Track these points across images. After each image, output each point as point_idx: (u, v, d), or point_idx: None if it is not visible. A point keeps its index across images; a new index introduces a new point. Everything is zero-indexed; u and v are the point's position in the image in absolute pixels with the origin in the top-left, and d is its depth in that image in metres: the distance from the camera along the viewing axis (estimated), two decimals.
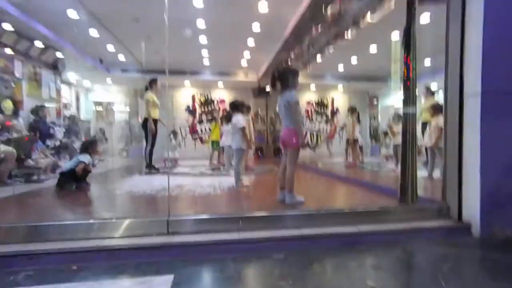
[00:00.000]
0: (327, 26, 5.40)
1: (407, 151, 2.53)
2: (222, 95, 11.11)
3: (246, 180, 4.13)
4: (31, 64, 6.17)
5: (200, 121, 11.00)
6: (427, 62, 6.59)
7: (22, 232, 1.87)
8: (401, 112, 2.68)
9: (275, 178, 4.43)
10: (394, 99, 9.57)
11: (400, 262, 1.83)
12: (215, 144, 6.93)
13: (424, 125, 4.95)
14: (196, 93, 11.02)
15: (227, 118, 4.87)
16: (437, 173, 4.20)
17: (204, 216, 2.15)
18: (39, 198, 3.27)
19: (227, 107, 10.54)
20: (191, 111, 11.01)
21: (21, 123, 4.91)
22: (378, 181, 4.36)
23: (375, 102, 11.56)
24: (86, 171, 3.64)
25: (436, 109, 4.30)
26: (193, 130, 11.00)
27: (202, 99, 11.08)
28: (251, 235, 1.96)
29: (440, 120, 4.02)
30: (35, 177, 4.22)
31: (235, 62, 8.86)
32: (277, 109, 2.89)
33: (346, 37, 5.55)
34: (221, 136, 6.15)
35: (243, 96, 10.23)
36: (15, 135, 4.26)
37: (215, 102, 11.12)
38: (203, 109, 11.06)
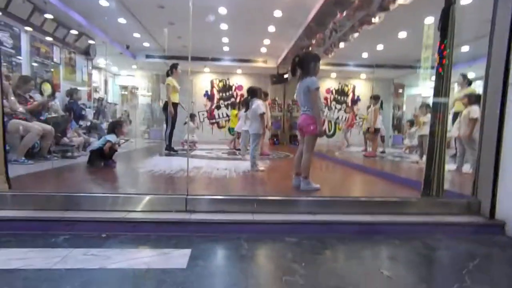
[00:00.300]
0: (352, 10, 5.21)
1: (435, 142, 2.39)
2: (240, 81, 11.14)
3: (261, 165, 4.24)
4: (67, 50, 6.55)
5: (218, 107, 11.14)
6: (463, 48, 6.27)
7: (60, 201, 2.07)
8: (429, 101, 2.55)
9: (290, 164, 4.49)
10: (422, 88, 9.22)
11: (420, 255, 1.75)
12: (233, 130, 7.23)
13: (456, 115, 4.71)
14: (215, 79, 11.12)
15: (245, 103, 4.94)
16: (466, 167, 4.05)
17: (220, 197, 2.25)
18: (73, 172, 3.54)
19: (245, 93, 10.60)
20: (209, 96, 11.15)
21: (57, 104, 5.27)
22: (399, 172, 4.30)
23: (400, 91, 11.16)
24: (112, 149, 3.86)
25: (471, 99, 4.03)
26: (210, 115, 11.17)
27: (221, 85, 11.17)
28: (265, 218, 2.03)
29: (473, 111, 3.80)
30: (69, 154, 4.57)
31: (255, 48, 8.83)
32: (295, 95, 2.90)
33: (372, 22, 5.35)
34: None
35: (261, 82, 10.23)
36: (53, 114, 4.57)
37: (233, 88, 11.19)
38: (221, 95, 11.17)
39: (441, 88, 2.36)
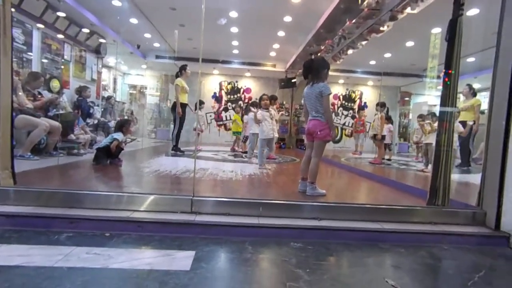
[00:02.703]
0: (361, 18, 5.24)
1: (441, 151, 2.40)
2: (249, 84, 11.18)
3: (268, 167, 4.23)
4: (78, 48, 6.63)
5: (226, 109, 11.17)
6: (469, 59, 6.25)
7: (64, 198, 2.06)
8: (435, 109, 2.58)
9: (296, 168, 4.47)
10: (428, 96, 9.17)
11: (426, 265, 1.73)
12: (236, 133, 7.49)
13: (463, 124, 4.87)
14: (224, 81, 11.17)
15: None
16: (465, 177, 4.07)
17: (226, 199, 2.22)
18: (79, 169, 3.54)
19: (252, 96, 10.64)
20: (218, 98, 11.20)
21: (65, 100, 5.32)
22: (404, 180, 4.26)
23: (406, 98, 11.11)
24: (119, 148, 3.87)
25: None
26: (218, 117, 11.21)
27: (229, 87, 11.22)
28: (270, 222, 2.01)
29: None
30: (75, 151, 4.59)
31: (264, 52, 8.88)
32: (302, 100, 2.89)
33: (381, 30, 5.37)
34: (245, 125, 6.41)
35: (269, 86, 10.26)
36: (60, 111, 4.61)
37: (241, 91, 11.23)
38: (229, 97, 11.21)
39: (448, 97, 2.39)
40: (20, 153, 3.65)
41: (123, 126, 4.06)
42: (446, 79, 2.38)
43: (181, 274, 1.39)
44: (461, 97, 5.26)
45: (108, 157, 3.80)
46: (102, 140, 4.31)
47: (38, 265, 1.40)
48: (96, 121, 5.90)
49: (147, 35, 7.78)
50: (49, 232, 1.79)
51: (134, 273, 1.39)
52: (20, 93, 3.91)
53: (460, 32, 2.34)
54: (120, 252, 1.59)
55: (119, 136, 3.87)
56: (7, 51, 2.15)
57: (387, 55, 8.00)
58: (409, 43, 6.86)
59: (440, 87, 2.46)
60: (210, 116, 11.12)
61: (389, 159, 6.79)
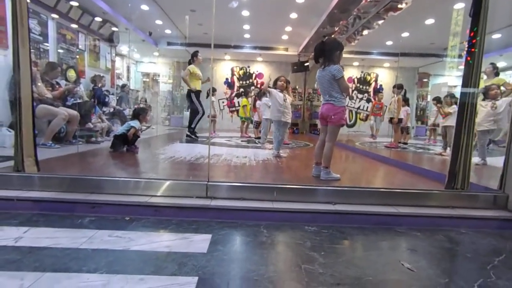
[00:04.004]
0: None
1: (461, 134, 2.31)
2: (261, 69, 11.04)
3: (283, 152, 4.24)
4: (92, 37, 6.69)
5: (238, 95, 11.13)
6: (494, 36, 5.93)
7: (85, 184, 2.14)
8: (455, 91, 2.48)
9: (310, 153, 4.44)
10: (448, 77, 8.82)
11: (443, 248, 1.70)
12: (244, 118, 7.64)
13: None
14: (235, 67, 11.07)
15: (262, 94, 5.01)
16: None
17: (241, 184, 2.25)
18: (97, 157, 3.65)
19: (264, 81, 10.53)
20: (230, 84, 11.15)
21: (82, 90, 5.43)
22: (421, 164, 4.17)
23: (425, 80, 10.71)
24: (135, 135, 3.96)
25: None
26: (230, 103, 11.19)
27: (241, 73, 11.13)
28: (285, 206, 2.03)
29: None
30: (93, 139, 4.74)
31: (276, 36, 8.70)
32: (315, 84, 2.84)
33: (399, 7, 5.13)
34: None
35: (282, 70, 10.09)
36: (78, 100, 4.73)
37: (253, 76, 11.12)
38: (241, 83, 11.14)
39: (470, 77, 2.27)
40: (42, 142, 3.79)
41: (139, 114, 4.15)
42: (469, 58, 2.26)
43: (199, 256, 1.44)
44: (484, 77, 5.02)
45: (125, 144, 3.90)
46: (118, 128, 4.41)
47: (65, 246, 1.48)
48: (112, 110, 6.02)
49: (159, 22, 7.75)
50: (72, 216, 1.88)
51: (154, 255, 1.44)
52: (39, 84, 4.02)
53: (486, 6, 2.20)
54: (140, 235, 1.65)
55: (135, 124, 3.96)
56: (25, 42, 2.20)
57: (405, 34, 7.66)
58: (429, 21, 6.53)
59: (462, 67, 2.34)
60: (223, 102, 11.12)
61: (405, 143, 6.66)
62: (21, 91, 2.19)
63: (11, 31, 2.15)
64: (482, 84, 4.80)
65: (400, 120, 6.09)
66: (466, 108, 2.30)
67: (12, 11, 2.14)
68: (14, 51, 2.16)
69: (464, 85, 2.30)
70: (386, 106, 7.94)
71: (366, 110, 10.86)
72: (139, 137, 4.10)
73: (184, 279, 1.24)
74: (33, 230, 1.66)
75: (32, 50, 4.78)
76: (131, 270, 1.30)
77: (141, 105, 7.87)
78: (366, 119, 10.71)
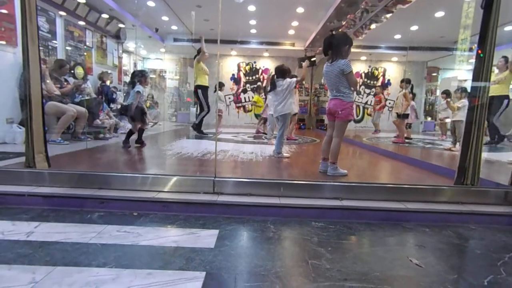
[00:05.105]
0: None
1: (472, 128, 2.27)
2: (267, 64, 10.99)
3: (287, 151, 4.21)
4: (99, 34, 6.73)
5: (244, 90, 11.10)
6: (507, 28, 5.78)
7: (94, 179, 2.17)
8: (465, 84, 2.42)
9: (317, 149, 4.42)
10: (458, 71, 8.65)
11: (452, 244, 1.68)
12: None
13: (492, 99, 4.53)
14: (242, 62, 11.03)
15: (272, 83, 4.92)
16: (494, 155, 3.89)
17: (247, 180, 2.25)
18: (105, 153, 3.69)
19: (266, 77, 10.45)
20: (236, 79, 11.12)
21: (90, 87, 5.49)
22: (429, 159, 4.11)
23: (434, 74, 10.52)
24: (141, 129, 3.97)
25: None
26: (237, 99, 11.18)
27: (247, 68, 11.09)
28: (292, 202, 2.03)
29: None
30: (101, 135, 4.80)
31: (283, 31, 8.61)
32: (322, 79, 2.81)
33: (408, 0, 5.03)
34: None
35: (288, 65, 9.96)
36: (86, 97, 4.78)
37: (260, 72, 11.07)
38: (247, 78, 11.10)
39: (481, 71, 2.22)
40: (52, 138, 3.85)
41: (138, 77, 3.90)
42: (480, 51, 2.21)
43: (206, 251, 1.45)
44: (495, 70, 4.91)
45: (130, 135, 3.90)
46: (126, 125, 4.44)
47: (75, 241, 1.50)
48: (119, 106, 6.07)
49: (165, 18, 7.75)
50: (82, 211, 1.91)
51: (162, 250, 1.46)
52: (48, 81, 4.07)
53: None
54: (148, 230, 1.67)
55: (139, 88, 3.83)
56: (34, 39, 2.22)
57: (414, 27, 7.53)
58: (439, 14, 6.39)
59: (473, 60, 2.29)
60: (229, 98, 11.11)
61: (408, 138, 6.59)
62: (31, 88, 2.22)
63: (20, 29, 2.17)
64: (493, 78, 4.71)
65: (406, 116, 6.01)
66: (477, 103, 2.25)
67: (21, 8, 2.16)
68: (23, 49, 2.19)
69: (475, 79, 2.26)
70: (393, 101, 7.83)
71: (375, 104, 10.74)
72: (145, 129, 4.08)
73: (192, 273, 1.26)
74: (44, 225, 1.69)
75: (40, 48, 4.84)
76: (139, 264, 1.32)
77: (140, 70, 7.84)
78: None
